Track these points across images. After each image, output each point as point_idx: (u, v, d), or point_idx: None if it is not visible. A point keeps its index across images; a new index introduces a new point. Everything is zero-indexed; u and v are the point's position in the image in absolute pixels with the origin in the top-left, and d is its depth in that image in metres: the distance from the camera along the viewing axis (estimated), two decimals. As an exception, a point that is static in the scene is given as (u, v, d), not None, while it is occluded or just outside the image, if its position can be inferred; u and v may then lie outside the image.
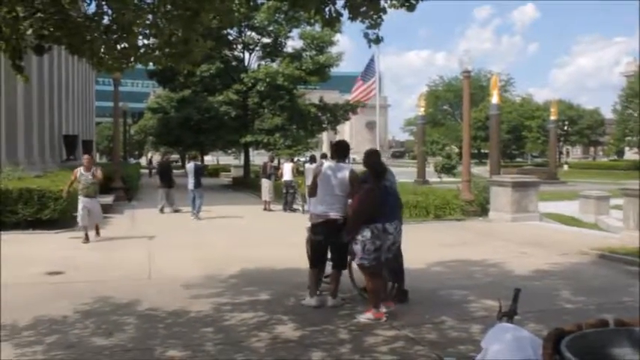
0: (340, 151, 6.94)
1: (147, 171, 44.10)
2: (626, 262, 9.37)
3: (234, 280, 8.14)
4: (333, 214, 6.57)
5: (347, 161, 7.05)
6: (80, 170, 11.96)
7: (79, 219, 11.85)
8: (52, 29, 5.54)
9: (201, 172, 17.45)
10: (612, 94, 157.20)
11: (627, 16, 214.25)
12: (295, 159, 25.07)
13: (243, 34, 29.02)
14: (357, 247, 6.20)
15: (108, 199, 17.65)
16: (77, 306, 6.62)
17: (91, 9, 5.78)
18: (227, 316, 6.32)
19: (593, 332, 2.65)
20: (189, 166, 17.46)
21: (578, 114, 72.20)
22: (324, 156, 18.69)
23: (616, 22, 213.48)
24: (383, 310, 6.22)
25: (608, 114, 69.53)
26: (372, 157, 6.60)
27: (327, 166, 6.82)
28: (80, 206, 11.71)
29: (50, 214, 12.91)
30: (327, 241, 6.67)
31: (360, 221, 6.17)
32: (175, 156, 51.74)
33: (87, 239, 11.56)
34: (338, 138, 15.89)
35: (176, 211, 17.42)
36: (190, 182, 16.72)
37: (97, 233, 12.10)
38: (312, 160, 18.22)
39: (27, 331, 5.72)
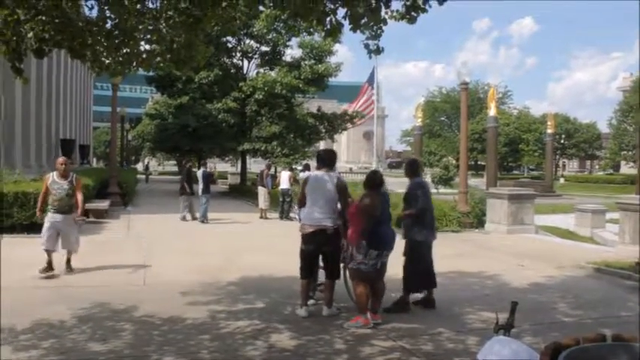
0: (327, 160, 6.95)
1: (143, 177, 44.10)
2: (622, 277, 9.39)
3: (230, 288, 8.12)
4: (324, 224, 6.57)
5: (335, 170, 7.07)
6: (53, 177, 8.93)
7: (42, 240, 8.77)
8: (52, 33, 5.56)
9: (209, 178, 17.64)
10: (608, 109, 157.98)
11: (625, 32, 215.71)
12: (294, 167, 25.11)
13: (242, 42, 29.10)
14: (359, 253, 6.23)
15: (104, 203, 17.64)
16: (74, 311, 6.59)
17: (94, 13, 5.79)
18: (223, 324, 6.30)
19: (590, 347, 2.65)
20: (199, 172, 17.73)
21: (575, 127, 72.46)
22: (307, 167, 18.79)
23: (614, 37, 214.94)
24: (369, 316, 6.27)
25: (604, 128, 69.85)
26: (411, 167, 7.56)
27: (314, 176, 6.84)
28: (46, 225, 8.76)
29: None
30: (319, 251, 6.68)
31: (364, 228, 6.20)
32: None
33: (50, 268, 8.64)
34: (335, 147, 15.95)
35: (195, 218, 17.38)
36: (200, 188, 17.10)
37: (68, 265, 8.95)
38: (307, 168, 18.33)
39: (24, 334, 5.69)
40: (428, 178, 36.93)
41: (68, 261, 8.98)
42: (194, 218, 17.34)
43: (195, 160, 33.91)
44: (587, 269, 10.10)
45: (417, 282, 7.16)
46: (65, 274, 8.72)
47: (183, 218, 17.30)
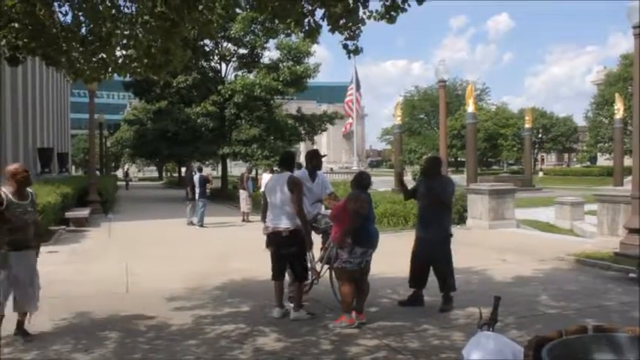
0: (285, 161, 7.04)
1: (123, 183, 43.75)
2: (602, 267, 9.54)
3: (215, 293, 8.08)
4: (278, 226, 6.61)
5: (295, 170, 7.08)
6: (8, 196, 5.66)
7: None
8: (26, 40, 5.49)
9: (205, 183, 17.92)
10: (584, 102, 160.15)
11: (598, 26, 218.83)
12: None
13: (219, 45, 28.99)
14: (344, 251, 6.24)
15: (84, 212, 17.45)
16: (56, 322, 6.51)
17: (68, 20, 5.73)
18: (209, 329, 6.27)
19: (573, 339, 2.68)
20: (196, 177, 17.73)
21: (552, 122, 73.35)
22: (299, 166, 18.82)
23: (587, 31, 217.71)
24: (354, 315, 6.29)
25: (580, 121, 70.79)
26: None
27: (269, 178, 6.89)
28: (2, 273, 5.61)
29: (25, 229, 12.64)
30: (279, 253, 6.69)
31: (352, 227, 6.22)
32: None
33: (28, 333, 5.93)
34: (316, 148, 15.97)
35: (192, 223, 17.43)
36: (197, 192, 17.21)
37: (23, 324, 5.95)
38: (298, 167, 18.32)
39: (6, 348, 5.59)
40: (409, 176, 37.09)
41: (24, 321, 5.97)
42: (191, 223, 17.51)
43: (175, 164, 33.62)
44: (568, 261, 10.24)
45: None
46: (23, 343, 5.80)
47: (191, 223, 17.39)
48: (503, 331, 5.14)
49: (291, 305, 6.88)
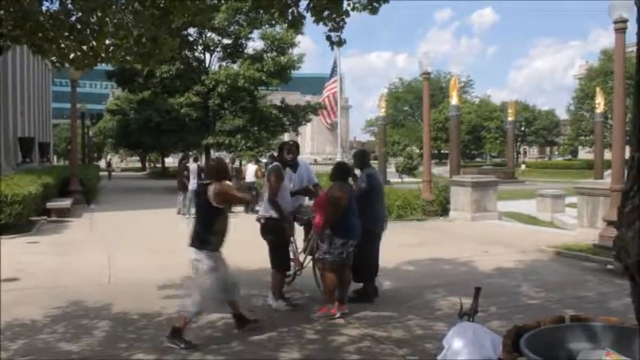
0: (278, 151, 7.29)
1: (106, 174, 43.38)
2: (580, 259, 9.73)
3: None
4: (260, 214, 6.89)
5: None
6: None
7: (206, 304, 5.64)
8: (10, 28, 5.43)
9: (201, 172, 17.71)
10: (567, 96, 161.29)
11: (580, 21, 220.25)
12: (259, 160, 25.05)
13: (203, 35, 28.80)
14: (323, 242, 6.29)
15: (66, 202, 17.32)
16: (42, 311, 6.50)
17: (55, 7, 5.67)
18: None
19: (551, 328, 2.77)
20: (193, 167, 17.59)
21: (534, 115, 73.93)
22: (272, 157, 18.93)
23: (570, 26, 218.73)
24: (336, 306, 6.35)
25: (562, 115, 71.39)
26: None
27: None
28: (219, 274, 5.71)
29: (6, 219, 12.55)
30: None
31: (331, 218, 6.26)
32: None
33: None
34: (299, 139, 16.01)
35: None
36: (193, 183, 16.89)
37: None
38: (273, 159, 18.34)
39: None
40: (392, 168, 37.21)
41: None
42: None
43: (158, 155, 33.29)
44: (548, 253, 10.40)
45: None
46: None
47: (179, 213, 17.41)
48: (484, 321, 5.24)
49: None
